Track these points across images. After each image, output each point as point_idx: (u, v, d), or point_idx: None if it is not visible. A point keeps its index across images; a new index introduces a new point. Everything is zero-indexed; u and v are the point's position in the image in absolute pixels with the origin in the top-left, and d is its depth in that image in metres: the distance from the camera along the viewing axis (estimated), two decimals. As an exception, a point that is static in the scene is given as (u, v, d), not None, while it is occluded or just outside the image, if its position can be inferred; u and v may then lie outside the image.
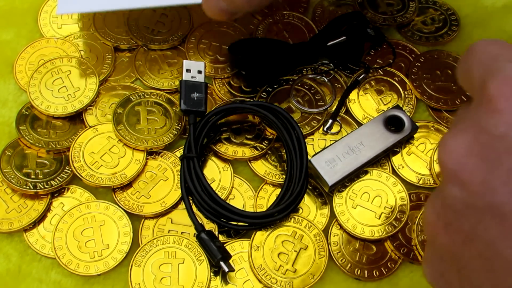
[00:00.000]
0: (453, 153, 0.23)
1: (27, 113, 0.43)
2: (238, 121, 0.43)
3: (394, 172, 0.42)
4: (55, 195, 0.40)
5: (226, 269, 0.37)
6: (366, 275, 0.39)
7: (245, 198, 0.41)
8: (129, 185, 0.41)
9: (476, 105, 0.23)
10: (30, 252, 0.39)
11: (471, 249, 0.23)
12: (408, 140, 0.43)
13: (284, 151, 0.42)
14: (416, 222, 0.39)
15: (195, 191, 0.39)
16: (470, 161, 0.22)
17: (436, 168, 0.39)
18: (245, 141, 0.42)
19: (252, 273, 0.38)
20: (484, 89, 0.23)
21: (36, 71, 0.44)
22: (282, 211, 0.39)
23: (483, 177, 0.22)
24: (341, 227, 0.40)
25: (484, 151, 0.22)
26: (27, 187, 0.40)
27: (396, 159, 0.42)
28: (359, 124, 0.44)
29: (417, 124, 0.43)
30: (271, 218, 0.39)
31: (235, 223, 0.39)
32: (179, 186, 0.40)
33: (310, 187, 0.41)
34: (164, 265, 0.38)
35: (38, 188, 0.40)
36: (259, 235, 0.39)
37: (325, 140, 0.43)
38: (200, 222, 0.39)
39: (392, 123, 0.42)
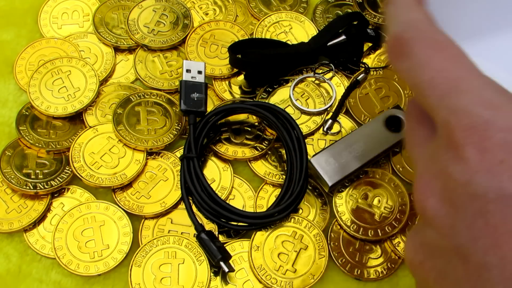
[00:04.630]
0: (428, 200, 0.24)
1: (27, 113, 0.43)
2: (238, 121, 0.43)
3: (394, 172, 0.42)
4: (55, 195, 0.40)
5: (226, 269, 0.37)
6: (366, 275, 0.39)
7: (245, 198, 0.41)
8: (129, 185, 0.41)
9: (442, 147, 0.24)
10: (30, 252, 0.39)
11: (442, 287, 0.24)
12: (408, 140, 0.43)
13: (284, 151, 0.42)
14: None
15: (195, 191, 0.39)
16: (442, 207, 0.24)
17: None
18: (245, 141, 0.42)
19: (252, 273, 0.38)
20: (449, 133, 0.23)
21: (36, 71, 0.44)
22: (282, 211, 0.39)
23: (451, 222, 0.23)
24: (341, 227, 0.40)
25: (453, 197, 0.23)
26: (27, 187, 0.40)
27: (396, 159, 0.42)
28: (359, 124, 0.44)
29: (417, 124, 0.43)
30: (271, 218, 0.39)
31: (235, 223, 0.39)
32: (179, 186, 0.40)
33: (310, 187, 0.41)
34: (164, 265, 0.38)
35: (38, 188, 0.40)
36: (259, 235, 0.39)
37: (325, 140, 0.43)
38: (200, 222, 0.39)
39: (392, 123, 0.42)
